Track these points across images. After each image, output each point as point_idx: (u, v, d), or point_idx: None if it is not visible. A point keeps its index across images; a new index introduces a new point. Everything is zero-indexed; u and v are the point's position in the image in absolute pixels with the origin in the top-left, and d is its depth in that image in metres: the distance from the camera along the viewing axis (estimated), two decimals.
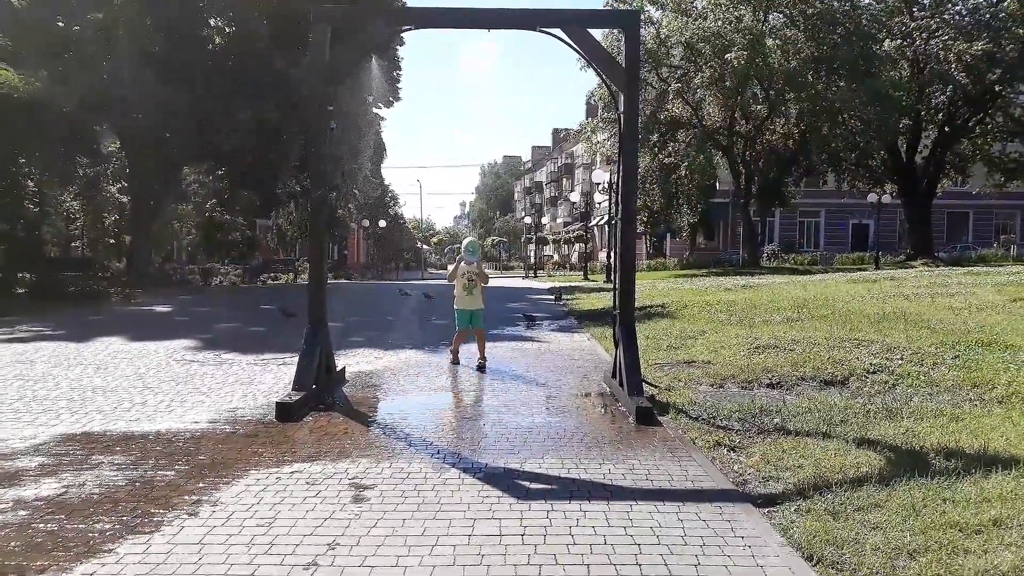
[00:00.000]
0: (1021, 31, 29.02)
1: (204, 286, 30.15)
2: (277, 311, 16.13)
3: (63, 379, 8.50)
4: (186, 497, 4.57)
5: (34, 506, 4.40)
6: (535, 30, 7.44)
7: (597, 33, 9.51)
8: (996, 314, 11.23)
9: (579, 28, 7.48)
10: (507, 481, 4.93)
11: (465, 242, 10.19)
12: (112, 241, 34.17)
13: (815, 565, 3.66)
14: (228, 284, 31.43)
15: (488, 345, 11.63)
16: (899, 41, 30.75)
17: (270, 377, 8.75)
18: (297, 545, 3.87)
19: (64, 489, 4.70)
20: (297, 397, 6.84)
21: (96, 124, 25.59)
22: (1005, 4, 30.25)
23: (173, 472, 5.07)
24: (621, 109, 7.67)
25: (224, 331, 14.02)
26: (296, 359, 7.52)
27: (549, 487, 4.85)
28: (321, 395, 7.38)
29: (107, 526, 4.10)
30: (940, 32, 29.85)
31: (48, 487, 4.73)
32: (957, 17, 31.56)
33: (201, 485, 4.80)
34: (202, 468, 5.16)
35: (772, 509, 4.43)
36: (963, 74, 29.12)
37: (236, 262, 36.99)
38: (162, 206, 30.11)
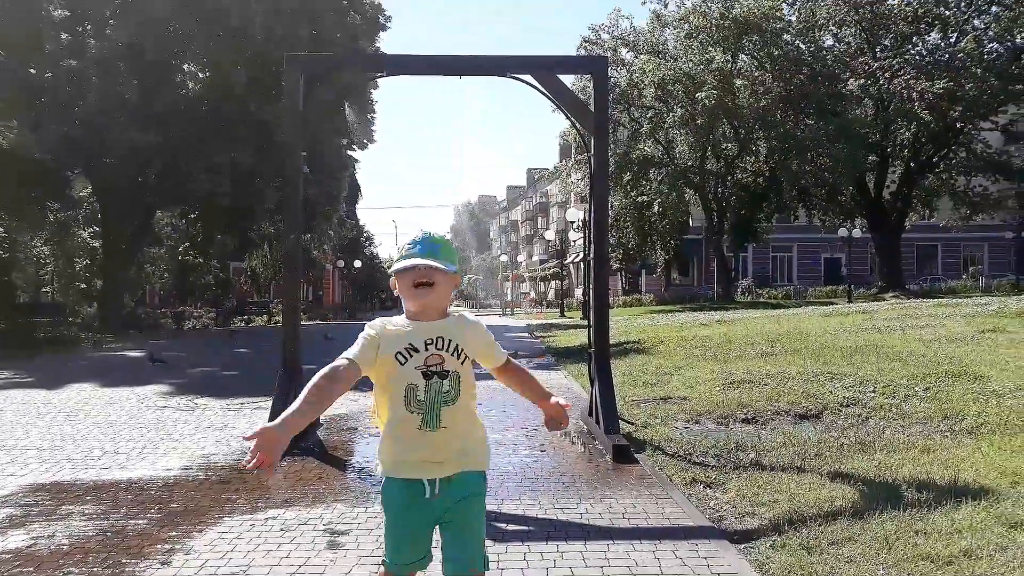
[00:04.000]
0: (978, 70, 29.92)
1: (177, 330, 29.85)
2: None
3: (32, 428, 8.36)
4: (158, 546, 4.50)
5: (1, 559, 4.31)
6: (505, 76, 7.59)
7: (568, 78, 9.69)
8: (966, 345, 11.43)
9: (548, 74, 7.63)
10: None
11: (410, 239, 2.61)
12: (83, 286, 33.83)
13: None
14: (201, 327, 31.10)
15: None
16: (863, 80, 31.56)
17: (243, 422, 8.66)
18: None
19: (33, 540, 4.61)
20: None
21: (68, 170, 25.49)
22: (963, 44, 31.22)
23: (145, 520, 5.00)
24: (591, 152, 7.81)
25: (197, 376, 13.86)
26: (270, 403, 7.46)
27: (526, 528, 4.83)
28: (295, 440, 7.30)
29: None
30: (902, 72, 30.70)
31: (16, 539, 4.64)
32: (918, 57, 32.54)
33: (174, 533, 4.73)
34: (174, 516, 5.09)
35: (748, 545, 4.45)
36: (926, 112, 29.91)
37: (210, 304, 36.71)
38: (134, 250, 29.90)
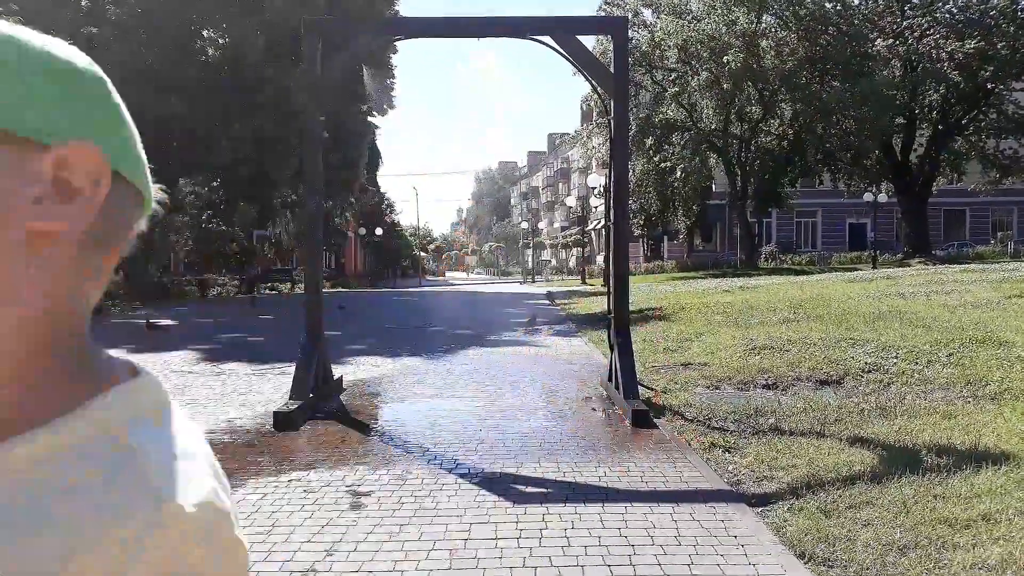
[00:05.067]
0: (1012, 29, 29.13)
1: (201, 297, 30.19)
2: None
3: None
4: None
5: None
6: (524, 38, 7.52)
7: (589, 39, 9.60)
8: (991, 311, 11.29)
9: (567, 35, 7.54)
10: (503, 485, 4.97)
11: None
12: None
13: (807, 563, 3.70)
14: (225, 295, 31.39)
15: (486, 351, 11.76)
16: (891, 40, 30.87)
17: (268, 387, 8.78)
18: (295, 551, 3.91)
19: None
20: (294, 406, 6.88)
21: None
22: (995, 2, 30.37)
23: None
24: (611, 115, 7.74)
25: (222, 341, 14.05)
26: (293, 368, 7.56)
27: (545, 490, 4.89)
28: (318, 404, 7.42)
29: None
30: (932, 31, 29.98)
31: None
32: (948, 16, 31.70)
33: None
34: None
35: (766, 508, 4.47)
36: (955, 72, 29.24)
37: (233, 272, 36.99)
38: (158, 218, 30.11)
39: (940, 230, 47.76)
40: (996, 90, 32.35)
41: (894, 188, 36.38)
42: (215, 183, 33.84)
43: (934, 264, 28.29)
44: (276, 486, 5.00)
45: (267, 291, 36.10)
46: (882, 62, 31.74)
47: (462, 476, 5.18)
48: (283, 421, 6.61)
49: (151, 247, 30.10)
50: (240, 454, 5.80)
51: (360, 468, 5.39)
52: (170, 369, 10.20)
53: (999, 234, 48.10)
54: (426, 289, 42.95)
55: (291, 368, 8.11)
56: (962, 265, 24.53)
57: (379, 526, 4.24)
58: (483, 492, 4.82)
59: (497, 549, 3.90)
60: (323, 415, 7.19)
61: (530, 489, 4.92)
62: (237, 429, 6.66)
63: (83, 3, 24.94)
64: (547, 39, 7.50)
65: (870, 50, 31.51)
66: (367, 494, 4.81)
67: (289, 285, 38.33)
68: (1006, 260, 31.04)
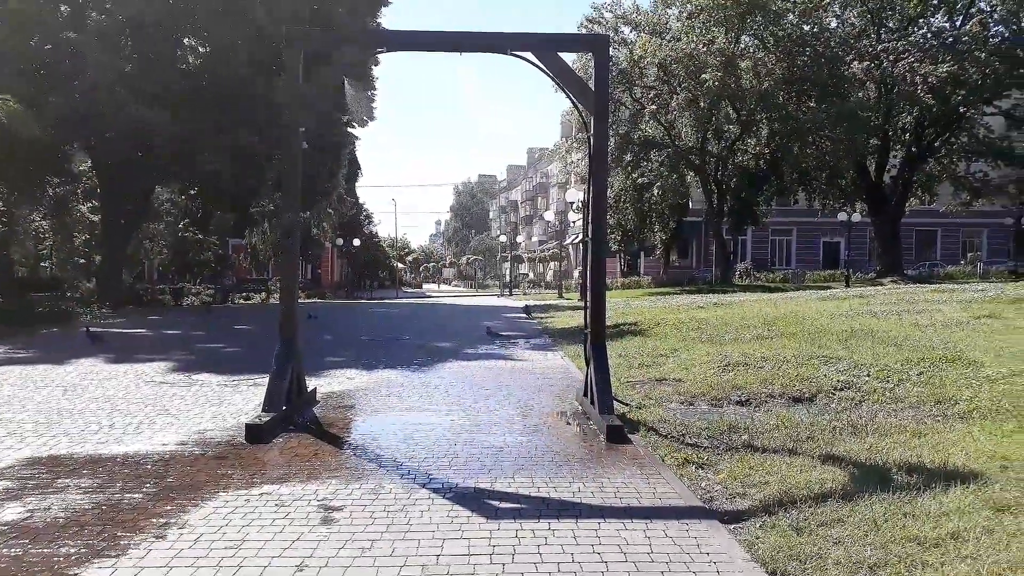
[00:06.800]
0: (982, 55, 29.72)
1: (175, 306, 29.88)
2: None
3: (30, 402, 8.39)
4: (153, 520, 4.54)
5: None
6: (506, 53, 7.56)
7: (570, 56, 9.66)
8: (961, 331, 11.44)
9: (549, 52, 7.59)
10: (477, 501, 4.95)
11: None
12: (82, 261, 33.78)
13: None
14: (199, 304, 31.06)
15: (461, 364, 11.72)
16: (867, 63, 31.34)
17: (240, 398, 8.70)
18: (265, 567, 3.86)
19: (29, 513, 4.65)
20: (267, 418, 6.81)
21: (68, 144, 25.36)
22: (968, 27, 30.99)
23: (141, 495, 5.03)
24: (591, 132, 7.79)
25: (195, 351, 13.90)
26: (267, 380, 7.49)
27: (519, 506, 4.88)
28: (291, 416, 7.35)
29: (72, 550, 4.06)
30: (906, 54, 30.50)
31: (12, 511, 4.68)
32: (922, 40, 32.29)
33: (169, 508, 4.77)
34: (170, 491, 5.13)
35: (738, 525, 4.50)
36: (929, 95, 29.72)
37: (208, 281, 36.67)
38: (134, 225, 29.83)
39: (912, 250, 48.52)
40: (968, 114, 33.00)
41: (868, 208, 36.90)
42: (192, 191, 33.57)
43: (905, 283, 28.67)
44: (247, 499, 4.94)
45: (241, 300, 35.79)
46: (858, 84, 32.21)
47: (435, 491, 5.15)
48: (255, 433, 6.55)
49: (124, 255, 29.78)
50: (211, 467, 5.72)
51: (332, 482, 5.35)
52: (142, 380, 10.07)
53: (969, 255, 48.95)
54: (403, 301, 42.82)
55: (264, 379, 8.04)
56: (933, 285, 24.89)
57: (351, 541, 4.21)
58: (456, 507, 4.80)
59: (470, 566, 3.88)
60: (296, 428, 7.13)
61: (504, 504, 4.90)
62: (208, 441, 6.58)
63: (63, 8, 24.69)
64: (529, 55, 7.54)
65: (846, 72, 31.97)
66: (339, 509, 4.77)
67: (264, 295, 38.01)
68: (975, 280, 31.57)
